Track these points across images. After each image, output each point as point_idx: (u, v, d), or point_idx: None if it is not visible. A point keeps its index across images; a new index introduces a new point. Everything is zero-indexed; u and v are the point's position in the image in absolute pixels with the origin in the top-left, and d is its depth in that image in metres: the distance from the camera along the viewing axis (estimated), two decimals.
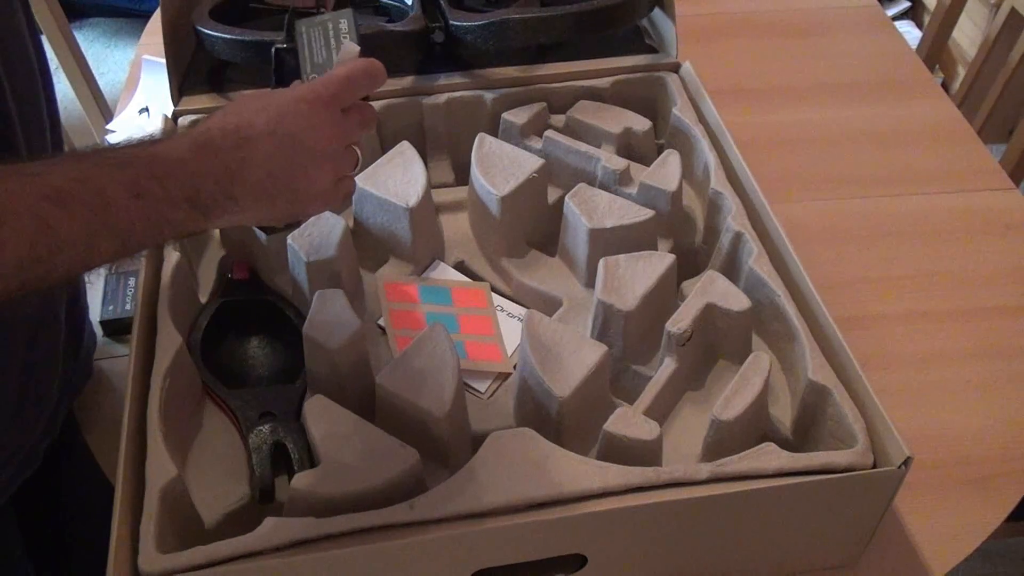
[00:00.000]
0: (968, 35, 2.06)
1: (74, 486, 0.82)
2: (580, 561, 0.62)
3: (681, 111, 0.91)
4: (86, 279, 0.60)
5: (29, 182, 0.43)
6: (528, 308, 0.78)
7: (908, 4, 2.34)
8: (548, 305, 0.81)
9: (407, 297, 0.82)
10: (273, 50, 0.73)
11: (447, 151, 0.96)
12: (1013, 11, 1.39)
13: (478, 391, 0.76)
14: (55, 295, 0.70)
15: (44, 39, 1.39)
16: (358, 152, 0.57)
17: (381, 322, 0.81)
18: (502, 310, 0.83)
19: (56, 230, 0.43)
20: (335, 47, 0.63)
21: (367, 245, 0.85)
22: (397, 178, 0.83)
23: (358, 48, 0.60)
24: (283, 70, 0.72)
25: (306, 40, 0.65)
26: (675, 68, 0.97)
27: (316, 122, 0.53)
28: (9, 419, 0.67)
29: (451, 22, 0.92)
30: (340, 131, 0.54)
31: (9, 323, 0.63)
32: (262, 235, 0.70)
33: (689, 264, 0.84)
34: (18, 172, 0.44)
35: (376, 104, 0.91)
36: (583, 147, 0.87)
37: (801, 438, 0.70)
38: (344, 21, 0.65)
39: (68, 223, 0.44)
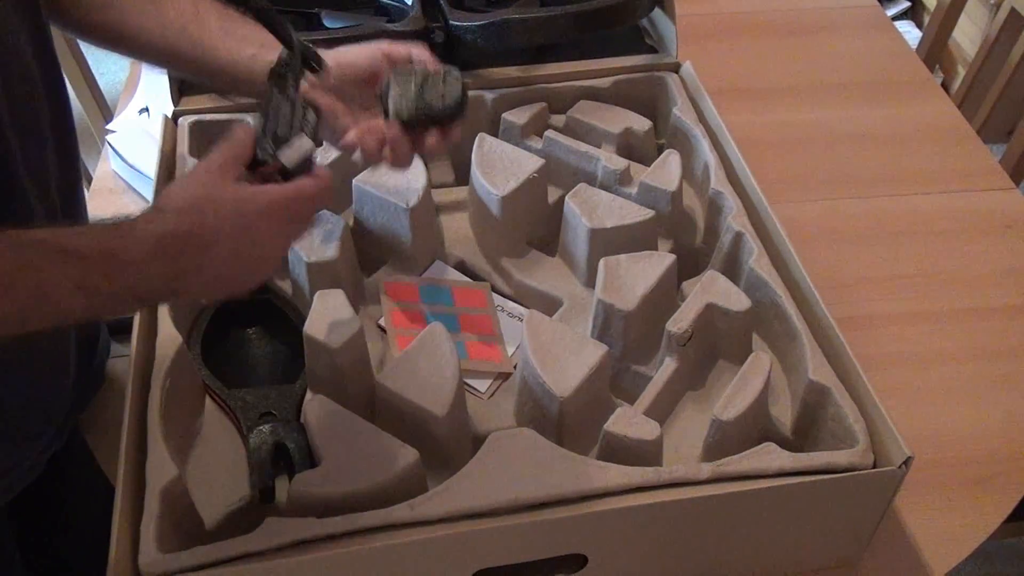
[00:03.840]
0: (968, 35, 2.06)
1: (75, 491, 0.82)
2: (580, 561, 0.62)
3: (681, 111, 0.91)
4: None
5: (19, 242, 0.46)
6: (528, 308, 0.78)
7: (908, 4, 2.34)
8: (548, 305, 0.81)
9: (408, 297, 0.82)
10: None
11: (447, 151, 0.96)
12: (1013, 11, 1.39)
13: (478, 391, 0.76)
14: None
15: None
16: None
17: (381, 322, 0.81)
18: (502, 310, 0.83)
19: (43, 288, 0.46)
20: (297, 126, 0.63)
21: (367, 245, 0.85)
22: (397, 178, 0.83)
23: (313, 147, 0.62)
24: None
25: (275, 104, 0.64)
26: (675, 68, 0.97)
27: (274, 233, 0.56)
28: (12, 429, 0.66)
29: (451, 22, 0.92)
30: (290, 240, 0.59)
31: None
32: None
33: (689, 264, 0.84)
34: (7, 236, 0.46)
35: None
36: (583, 147, 0.87)
37: (801, 438, 0.70)
38: (311, 113, 0.64)
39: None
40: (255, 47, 0.69)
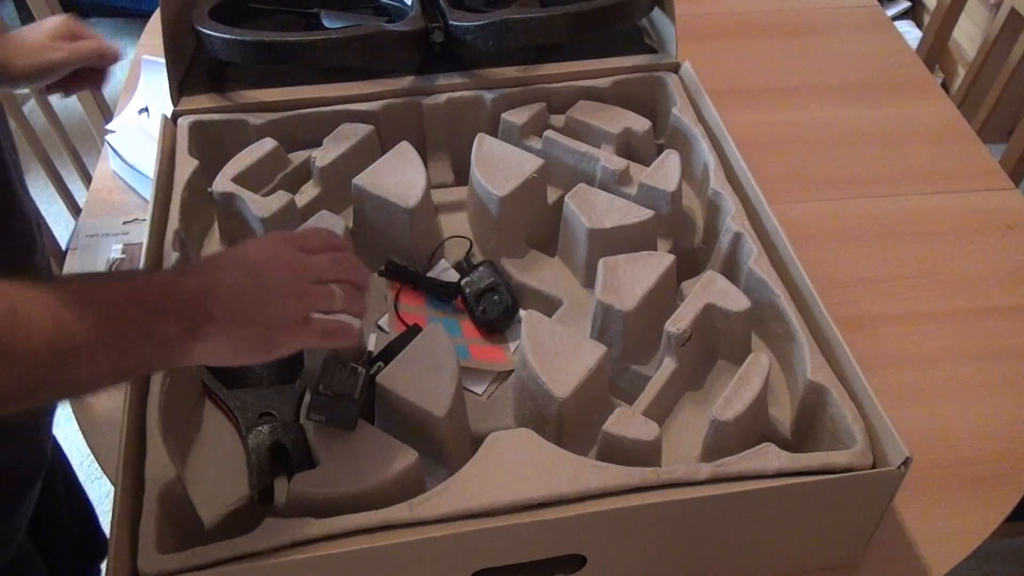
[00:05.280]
0: (968, 35, 2.06)
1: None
2: (580, 561, 0.62)
3: (681, 111, 0.91)
4: None
5: (46, 287, 0.47)
6: (528, 308, 0.78)
7: (908, 4, 2.34)
8: (547, 305, 0.81)
9: (413, 300, 0.82)
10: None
11: (447, 151, 0.96)
12: (1013, 11, 1.39)
13: (475, 393, 0.76)
14: None
15: None
16: (337, 290, 0.60)
17: (381, 322, 0.81)
18: None
19: (70, 330, 0.46)
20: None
21: (367, 245, 0.85)
22: (397, 178, 0.83)
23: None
24: None
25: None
26: (675, 68, 0.97)
27: (276, 254, 0.58)
28: None
29: (451, 22, 0.92)
30: (300, 266, 0.59)
31: None
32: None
33: (689, 264, 0.84)
34: (32, 281, 0.48)
35: (376, 104, 0.92)
36: (583, 147, 0.87)
37: (800, 438, 0.70)
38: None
39: (79, 325, 0.47)
40: None
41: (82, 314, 0.47)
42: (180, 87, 0.93)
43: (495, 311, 0.80)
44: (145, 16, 1.39)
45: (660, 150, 0.92)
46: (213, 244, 0.86)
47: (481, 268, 0.82)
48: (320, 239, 0.63)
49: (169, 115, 0.91)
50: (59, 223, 1.73)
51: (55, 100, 1.10)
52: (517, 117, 0.91)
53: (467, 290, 0.81)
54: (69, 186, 1.42)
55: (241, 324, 0.55)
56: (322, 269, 0.60)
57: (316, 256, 0.61)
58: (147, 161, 0.96)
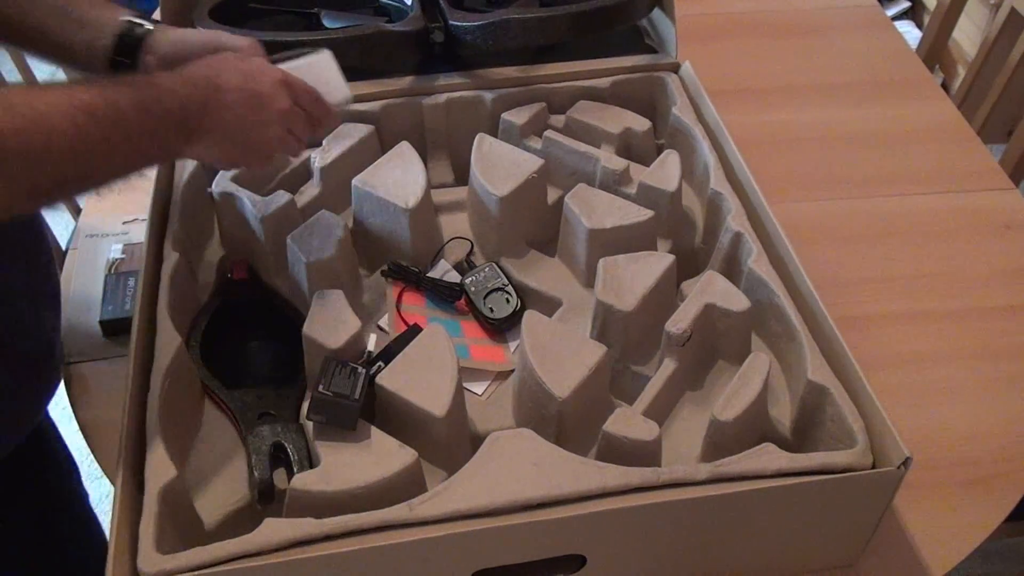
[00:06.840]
0: (968, 35, 2.06)
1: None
2: (580, 561, 0.62)
3: (681, 111, 0.91)
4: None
5: (66, 93, 0.54)
6: (527, 308, 0.78)
7: (908, 4, 2.34)
8: (548, 305, 0.81)
9: (414, 300, 0.82)
10: None
11: (447, 151, 0.96)
12: (1013, 11, 1.39)
13: (475, 393, 0.76)
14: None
15: None
16: (302, 146, 0.72)
17: (381, 322, 0.81)
18: None
19: (87, 133, 0.54)
20: None
21: (367, 245, 0.85)
22: (397, 178, 0.83)
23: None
24: None
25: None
26: (675, 68, 0.97)
27: (275, 93, 0.66)
28: None
29: (451, 22, 0.92)
30: (290, 110, 0.68)
31: None
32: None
33: (689, 264, 0.84)
34: (55, 85, 0.55)
35: (376, 104, 0.92)
36: (583, 147, 0.87)
37: (800, 438, 0.70)
38: None
39: (95, 129, 0.55)
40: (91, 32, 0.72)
41: (98, 121, 0.55)
42: None
43: (504, 311, 0.80)
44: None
45: (660, 150, 0.92)
46: (213, 245, 0.86)
47: (486, 269, 0.82)
48: (311, 101, 0.70)
49: None
50: (59, 223, 1.73)
51: None
52: (517, 117, 0.91)
53: (472, 289, 0.81)
54: None
55: (229, 141, 0.65)
56: (304, 129, 0.70)
57: (305, 112, 0.69)
58: None
